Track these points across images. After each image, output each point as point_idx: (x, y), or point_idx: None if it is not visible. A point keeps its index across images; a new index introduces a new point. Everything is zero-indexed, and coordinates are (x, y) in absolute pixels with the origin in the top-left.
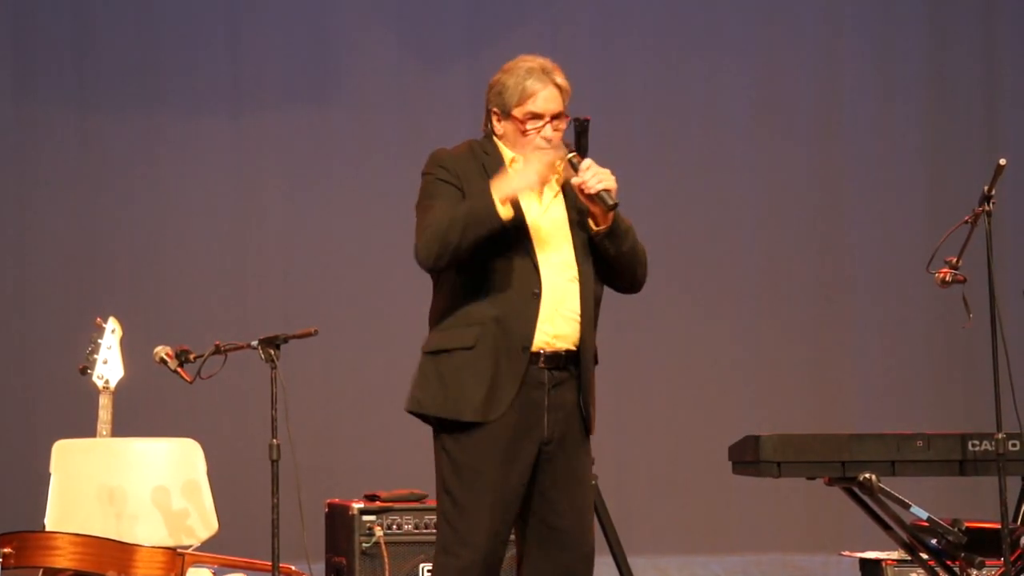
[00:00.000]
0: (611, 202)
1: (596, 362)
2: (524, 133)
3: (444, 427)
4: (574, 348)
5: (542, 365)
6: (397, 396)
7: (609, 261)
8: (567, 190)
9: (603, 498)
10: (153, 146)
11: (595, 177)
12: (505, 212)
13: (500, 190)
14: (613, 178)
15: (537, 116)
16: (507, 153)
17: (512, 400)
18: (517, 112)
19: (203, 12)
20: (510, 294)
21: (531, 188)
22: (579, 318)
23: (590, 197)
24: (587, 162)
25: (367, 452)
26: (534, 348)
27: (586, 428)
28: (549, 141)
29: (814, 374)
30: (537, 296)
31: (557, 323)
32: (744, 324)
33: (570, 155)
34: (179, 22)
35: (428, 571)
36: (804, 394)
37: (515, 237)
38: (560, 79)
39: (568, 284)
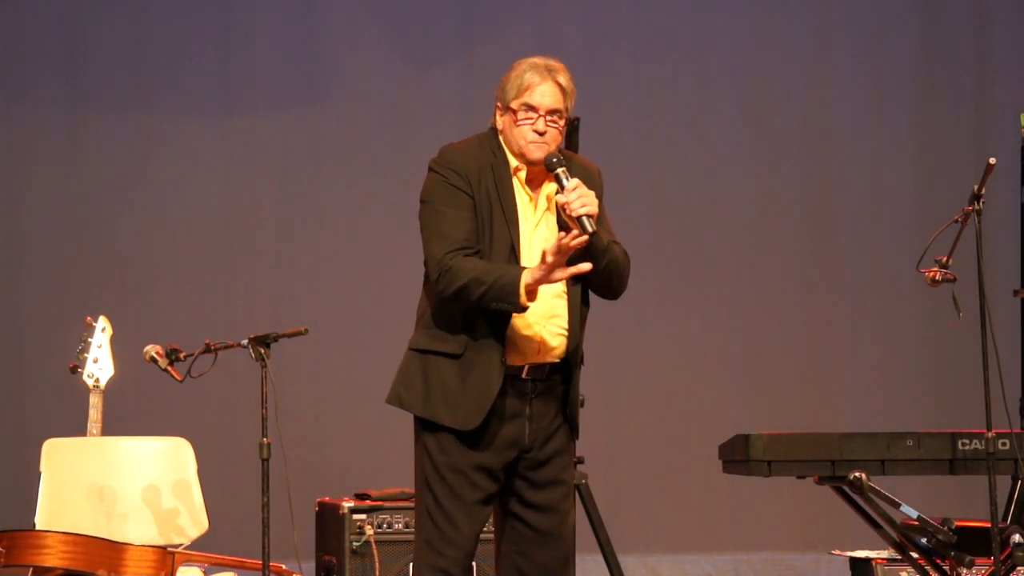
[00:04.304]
0: (590, 229)
1: (582, 362)
2: (516, 123)
3: (426, 426)
4: (558, 361)
5: (526, 376)
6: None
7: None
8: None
9: (593, 497)
10: (143, 146)
11: (579, 200)
12: (526, 301)
13: (530, 277)
14: (596, 203)
15: (531, 108)
16: (512, 160)
17: (492, 409)
18: (514, 104)
19: (193, 12)
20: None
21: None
22: (567, 332)
23: (570, 217)
24: (574, 182)
25: (357, 451)
26: (521, 362)
27: (570, 434)
28: (541, 135)
29: (804, 373)
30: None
31: (545, 338)
32: (734, 323)
33: (559, 169)
34: (169, 22)
35: None
36: (794, 393)
37: (506, 252)
38: (563, 79)
39: (554, 300)
